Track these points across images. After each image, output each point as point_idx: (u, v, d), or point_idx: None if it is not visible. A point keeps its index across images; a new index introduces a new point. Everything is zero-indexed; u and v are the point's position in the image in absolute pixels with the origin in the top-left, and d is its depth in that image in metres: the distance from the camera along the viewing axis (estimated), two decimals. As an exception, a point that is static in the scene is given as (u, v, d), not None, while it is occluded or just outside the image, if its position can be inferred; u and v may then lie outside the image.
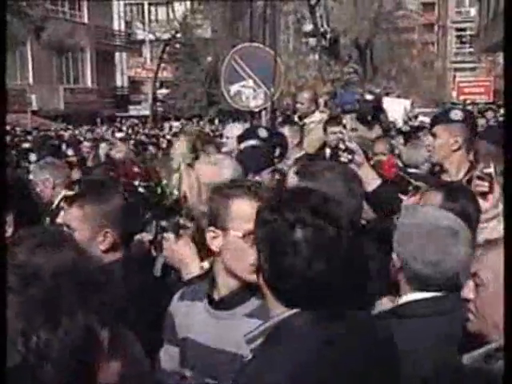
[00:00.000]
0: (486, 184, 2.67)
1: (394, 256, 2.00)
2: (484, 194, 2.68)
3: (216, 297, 1.95)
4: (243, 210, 1.86)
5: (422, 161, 4.99)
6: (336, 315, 1.45)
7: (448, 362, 1.71)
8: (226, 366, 1.80)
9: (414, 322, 1.91)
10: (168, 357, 2.07)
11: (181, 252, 2.36)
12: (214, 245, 1.91)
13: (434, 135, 3.49)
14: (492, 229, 2.54)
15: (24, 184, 1.85)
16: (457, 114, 3.46)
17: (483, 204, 2.62)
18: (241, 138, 4.73)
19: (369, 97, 6.74)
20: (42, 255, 0.96)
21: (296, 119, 6.30)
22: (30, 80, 30.36)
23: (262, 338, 1.50)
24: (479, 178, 2.72)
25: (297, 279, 1.43)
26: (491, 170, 2.70)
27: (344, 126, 5.51)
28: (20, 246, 0.99)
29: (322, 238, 1.43)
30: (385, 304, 2.10)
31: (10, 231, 1.83)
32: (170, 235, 2.40)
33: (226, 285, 1.92)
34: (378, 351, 1.47)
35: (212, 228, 1.91)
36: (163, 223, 2.46)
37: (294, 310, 1.46)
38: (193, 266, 2.32)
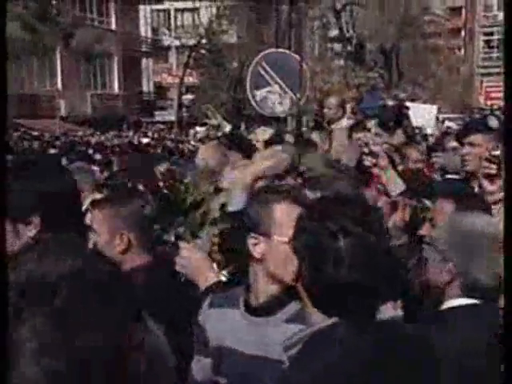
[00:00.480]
0: (495, 166, 2.66)
1: (450, 264, 2.00)
2: (491, 177, 2.66)
3: (254, 303, 1.93)
4: (287, 215, 1.85)
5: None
6: (375, 325, 1.47)
7: (488, 370, 1.71)
8: (266, 373, 1.79)
9: (458, 328, 1.90)
10: (199, 367, 2.05)
11: (196, 259, 2.32)
12: (257, 251, 1.88)
13: (471, 144, 3.36)
14: (497, 211, 2.53)
15: (70, 186, 1.88)
16: (495, 123, 3.37)
17: (489, 186, 2.61)
18: (268, 144, 4.77)
19: (390, 103, 6.71)
20: (49, 263, 0.92)
21: (325, 125, 6.30)
22: (59, 86, 30.81)
23: (300, 345, 1.50)
24: (487, 160, 2.70)
25: (337, 288, 1.44)
26: (499, 152, 2.68)
27: (369, 130, 5.51)
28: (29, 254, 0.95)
29: (363, 246, 1.44)
30: (388, 310, 2.09)
31: (33, 232, 1.84)
32: (185, 244, 2.37)
33: (266, 291, 1.90)
34: (419, 361, 1.47)
35: (253, 234, 1.88)
36: (180, 230, 2.44)
37: (333, 319, 1.46)
38: (209, 275, 2.29)
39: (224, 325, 1.96)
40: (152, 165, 4.95)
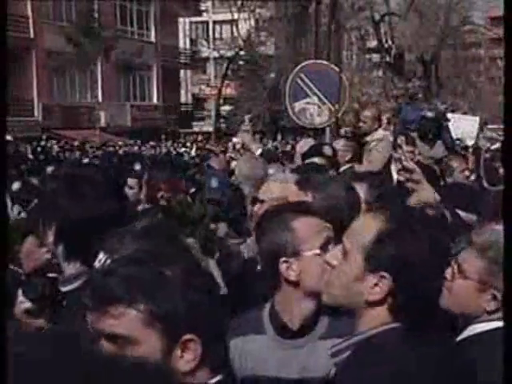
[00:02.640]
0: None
1: (495, 292, 1.88)
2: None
3: (290, 325, 1.87)
4: (309, 228, 1.84)
5: None
6: (432, 336, 1.46)
7: None
8: None
9: (494, 351, 1.79)
10: None
11: None
12: (292, 275, 1.82)
13: None
14: None
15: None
16: None
17: None
18: (305, 155, 4.75)
19: (429, 114, 6.60)
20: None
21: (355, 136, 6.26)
22: (100, 97, 31.38)
23: (349, 352, 1.48)
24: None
25: (428, 301, 1.47)
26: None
27: (399, 146, 5.44)
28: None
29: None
30: None
31: None
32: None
33: (302, 311, 1.85)
34: (463, 380, 1.45)
35: (284, 258, 1.82)
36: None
37: (386, 326, 1.45)
38: None
39: (254, 352, 1.89)
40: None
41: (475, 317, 1.91)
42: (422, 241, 1.45)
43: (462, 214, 2.90)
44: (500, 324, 1.85)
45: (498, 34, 48.80)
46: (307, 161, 4.60)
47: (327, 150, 4.70)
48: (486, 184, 4.73)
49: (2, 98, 2.04)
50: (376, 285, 1.45)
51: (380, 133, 6.15)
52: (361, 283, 1.47)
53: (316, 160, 4.44)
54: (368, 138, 6.01)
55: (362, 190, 2.73)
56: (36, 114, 27.67)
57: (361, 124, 6.13)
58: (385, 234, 1.47)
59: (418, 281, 1.43)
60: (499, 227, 2.09)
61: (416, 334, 1.43)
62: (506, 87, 2.11)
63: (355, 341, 1.48)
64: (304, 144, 5.46)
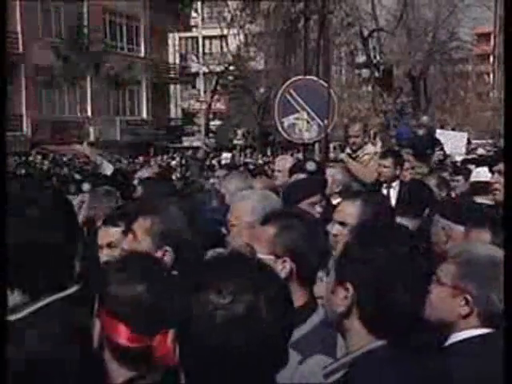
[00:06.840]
0: None
1: (467, 295, 1.89)
2: None
3: None
4: None
5: None
6: (421, 350, 1.48)
7: None
8: None
9: (472, 360, 1.81)
10: None
11: None
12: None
13: (500, 172, 3.26)
14: None
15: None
16: None
17: None
18: (291, 172, 4.73)
19: (420, 132, 6.65)
20: None
21: (349, 151, 6.24)
22: (89, 112, 31.30)
23: (343, 371, 1.48)
24: None
25: (396, 313, 1.45)
26: None
27: (401, 157, 5.42)
28: None
29: (416, 270, 1.47)
30: None
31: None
32: None
33: None
34: None
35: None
36: None
37: (376, 343, 1.45)
38: None
39: None
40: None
41: (451, 323, 1.91)
42: (390, 254, 1.46)
43: (452, 225, 2.87)
44: (480, 332, 1.86)
45: (485, 50, 49.40)
46: (292, 177, 4.57)
47: (310, 166, 4.65)
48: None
49: (1, 97, 2.00)
50: (346, 297, 1.48)
51: (370, 147, 6.16)
52: (334, 296, 1.52)
53: (301, 176, 4.41)
54: (359, 153, 6.00)
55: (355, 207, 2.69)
56: (25, 128, 27.54)
57: (353, 139, 6.12)
58: (351, 246, 1.52)
59: (383, 293, 1.44)
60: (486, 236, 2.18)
61: (401, 352, 1.43)
62: (506, 88, 2.13)
63: (348, 360, 1.48)
64: (281, 161, 5.43)
